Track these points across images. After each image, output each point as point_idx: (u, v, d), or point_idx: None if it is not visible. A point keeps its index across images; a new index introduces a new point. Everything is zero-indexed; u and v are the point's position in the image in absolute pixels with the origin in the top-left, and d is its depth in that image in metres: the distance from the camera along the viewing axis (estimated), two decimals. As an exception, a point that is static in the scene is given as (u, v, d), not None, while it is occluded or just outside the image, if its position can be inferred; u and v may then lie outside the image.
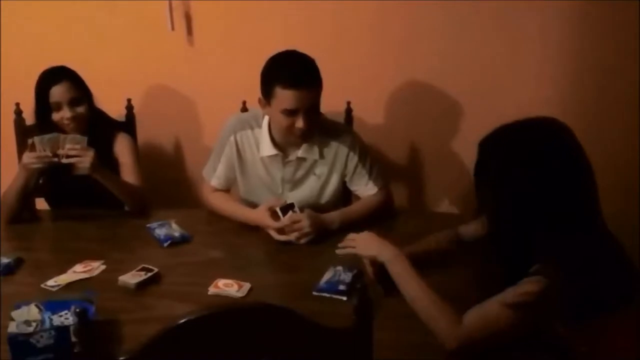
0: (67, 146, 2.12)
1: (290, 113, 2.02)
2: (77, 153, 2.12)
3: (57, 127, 2.24)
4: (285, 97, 2.00)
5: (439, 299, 1.48)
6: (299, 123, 2.03)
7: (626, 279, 1.41)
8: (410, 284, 1.56)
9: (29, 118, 2.44)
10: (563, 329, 1.39)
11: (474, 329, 1.41)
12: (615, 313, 1.39)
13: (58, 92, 2.23)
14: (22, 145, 2.44)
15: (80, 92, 2.28)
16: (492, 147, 1.49)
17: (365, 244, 1.75)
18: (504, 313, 1.38)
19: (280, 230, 2.04)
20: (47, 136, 2.12)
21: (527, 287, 1.37)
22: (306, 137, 2.12)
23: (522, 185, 1.41)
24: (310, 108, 2.03)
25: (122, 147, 2.38)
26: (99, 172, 2.16)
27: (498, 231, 1.50)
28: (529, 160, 1.42)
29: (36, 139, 2.12)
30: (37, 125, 2.30)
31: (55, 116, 2.25)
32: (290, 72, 2.00)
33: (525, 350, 1.43)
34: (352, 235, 1.82)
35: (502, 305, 1.38)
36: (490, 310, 1.41)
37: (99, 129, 2.33)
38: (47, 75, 2.27)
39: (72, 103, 2.25)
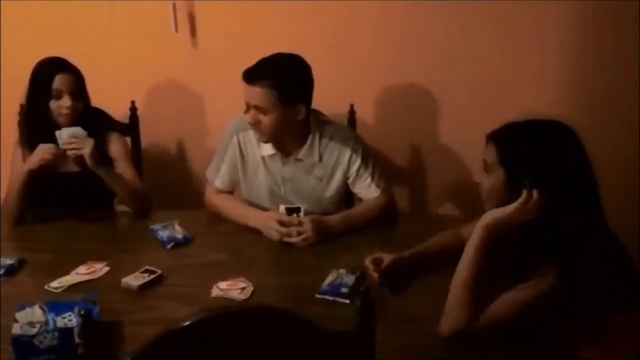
0: (65, 138, 2.16)
1: (246, 104, 2.09)
2: (77, 145, 2.16)
3: (51, 115, 2.25)
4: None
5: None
6: (247, 116, 2.09)
7: (629, 279, 1.42)
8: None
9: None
10: (565, 327, 1.41)
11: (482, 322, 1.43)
12: (619, 313, 1.40)
13: (62, 80, 2.24)
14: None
15: (81, 86, 2.30)
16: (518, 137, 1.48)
17: None
18: (516, 306, 1.41)
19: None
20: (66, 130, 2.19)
21: (542, 283, 1.40)
22: (257, 132, 2.14)
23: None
24: (257, 107, 2.06)
25: (116, 147, 2.38)
26: (100, 168, 2.19)
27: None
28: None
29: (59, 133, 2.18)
30: (31, 110, 2.30)
31: (54, 104, 2.25)
32: (249, 66, 2.06)
33: (520, 347, 1.44)
34: None
35: (517, 300, 1.41)
36: (502, 303, 1.43)
37: (95, 125, 2.33)
38: (52, 62, 2.28)
39: (73, 94, 2.26)
